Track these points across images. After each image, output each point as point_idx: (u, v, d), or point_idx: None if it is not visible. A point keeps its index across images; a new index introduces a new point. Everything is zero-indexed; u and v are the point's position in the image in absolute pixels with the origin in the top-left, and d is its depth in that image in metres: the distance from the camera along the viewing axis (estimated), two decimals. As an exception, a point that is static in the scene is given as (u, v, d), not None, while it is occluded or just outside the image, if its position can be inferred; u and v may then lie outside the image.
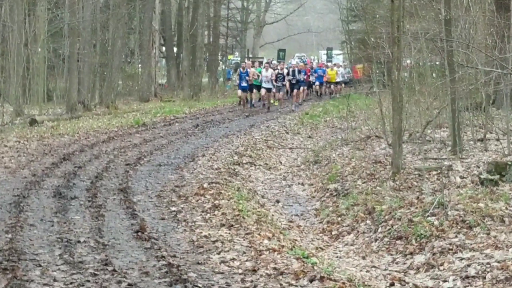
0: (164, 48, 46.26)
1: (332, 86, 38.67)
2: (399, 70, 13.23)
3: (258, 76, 29.10)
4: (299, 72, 31.55)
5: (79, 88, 29.06)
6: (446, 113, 16.89)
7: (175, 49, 46.19)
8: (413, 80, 18.89)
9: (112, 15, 32.44)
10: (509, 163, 11.92)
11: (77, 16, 29.47)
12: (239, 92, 30.06)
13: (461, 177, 11.79)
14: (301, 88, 32.00)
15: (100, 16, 32.51)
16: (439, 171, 12.58)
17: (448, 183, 11.48)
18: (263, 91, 28.80)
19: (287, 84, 30.91)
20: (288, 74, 30.42)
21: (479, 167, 12.69)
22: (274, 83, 28.94)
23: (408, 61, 30.22)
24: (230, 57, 56.07)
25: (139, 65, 41.36)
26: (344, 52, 55.14)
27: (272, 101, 30.27)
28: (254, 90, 30.38)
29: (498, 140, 15.53)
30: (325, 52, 61.40)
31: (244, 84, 28.97)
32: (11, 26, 26.21)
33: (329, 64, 43.88)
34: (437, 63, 21.44)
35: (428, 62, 19.59)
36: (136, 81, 40.03)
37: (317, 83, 37.80)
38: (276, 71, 29.55)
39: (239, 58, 53.56)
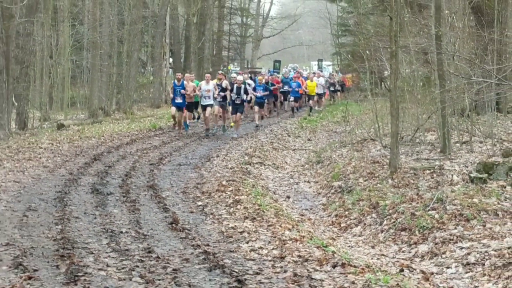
0: (171, 60, 46.32)
1: (310, 101, 31.77)
2: (396, 80, 13.37)
3: (195, 90, 21.27)
4: (247, 91, 21.90)
5: (99, 96, 29.23)
6: (434, 119, 17.03)
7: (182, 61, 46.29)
8: (404, 88, 18.98)
9: (128, 30, 32.54)
10: (496, 163, 12.10)
11: (97, 31, 29.59)
12: (173, 110, 21.50)
13: (453, 176, 11.86)
14: (241, 112, 21.88)
15: (117, 32, 32.61)
16: (431, 170, 12.68)
17: (441, 181, 11.57)
18: (207, 111, 21.08)
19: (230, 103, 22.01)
20: (231, 90, 21.21)
21: (467, 167, 12.76)
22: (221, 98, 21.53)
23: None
24: (229, 67, 56.12)
25: (151, 75, 41.40)
26: (334, 63, 55.25)
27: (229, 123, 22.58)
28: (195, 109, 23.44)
29: (481, 142, 15.66)
30: (316, 63, 61.61)
31: (178, 100, 20.85)
32: (40, 40, 26.29)
33: (310, 74, 36.25)
34: (420, 73, 21.58)
35: (418, 73, 19.68)
36: (148, 89, 40.12)
37: (291, 98, 29.86)
38: (222, 82, 21.76)
39: (238, 68, 53.57)
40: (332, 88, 38.51)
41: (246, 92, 21.60)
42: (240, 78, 22.13)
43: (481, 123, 17.21)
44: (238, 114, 21.33)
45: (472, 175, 11.58)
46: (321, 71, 53.06)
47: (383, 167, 13.55)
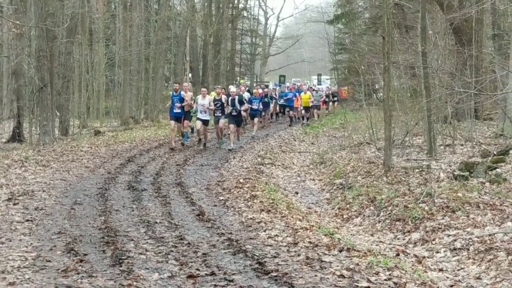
0: (190, 75, 46.42)
1: (303, 111, 28.92)
2: (388, 91, 13.44)
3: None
4: (242, 101, 18.86)
5: (129, 106, 29.40)
6: (421, 125, 17.06)
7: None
8: (395, 99, 19.03)
9: (154, 50, 32.68)
10: (476, 163, 12.15)
11: (128, 50, 29.77)
12: (172, 124, 18.25)
13: (440, 174, 11.90)
14: (237, 125, 19.02)
15: (145, 50, 32.76)
16: (420, 169, 12.71)
17: (429, 178, 11.59)
18: (198, 123, 17.98)
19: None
20: (227, 103, 18.46)
21: (451, 166, 12.77)
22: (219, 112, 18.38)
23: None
24: (241, 81, 56.16)
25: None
26: (332, 77, 55.23)
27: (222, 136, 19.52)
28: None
29: (462, 145, 15.69)
30: (316, 77, 61.75)
31: (176, 110, 18.04)
32: (78, 58, 26.49)
33: (304, 87, 32.53)
34: (408, 85, 21.59)
35: (406, 85, 19.75)
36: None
37: (287, 108, 28.57)
38: (221, 97, 18.51)
39: (248, 82, 53.60)
40: (327, 99, 36.36)
41: (241, 103, 18.63)
42: (233, 89, 19.74)
43: (462, 128, 17.25)
44: (232, 125, 18.38)
45: (455, 173, 11.63)
46: (320, 84, 53.30)
47: (378, 167, 13.58)
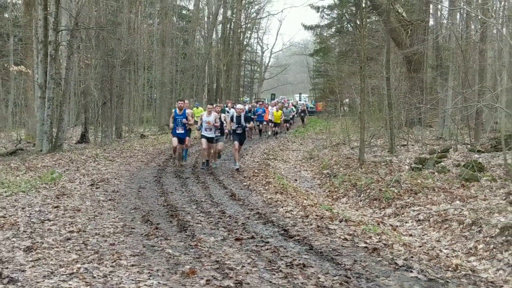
0: (205, 93, 46.50)
1: (275, 127, 24.25)
2: (363, 106, 13.60)
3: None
4: (248, 118, 13.73)
5: (164, 116, 29.49)
6: (383, 130, 17.23)
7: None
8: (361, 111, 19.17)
9: (182, 75, 32.81)
10: (426, 158, 12.32)
11: (164, 75, 29.89)
12: (174, 141, 13.05)
13: (401, 166, 12.05)
14: (241, 143, 13.53)
15: (175, 75, 32.87)
16: (385, 163, 12.81)
17: (394, 169, 11.73)
18: (203, 142, 12.89)
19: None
20: (232, 120, 13.32)
21: (407, 160, 12.97)
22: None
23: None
24: (242, 98, 56.25)
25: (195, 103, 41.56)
26: (310, 95, 55.38)
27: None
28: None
29: (413, 145, 15.90)
30: (298, 95, 61.90)
31: (180, 130, 12.94)
32: (128, 81, 26.57)
33: (277, 104, 25.70)
34: (375, 102, 21.73)
35: (374, 102, 19.92)
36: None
37: (257, 123, 23.09)
38: (220, 115, 13.33)
39: (248, 99, 53.57)
40: (302, 114, 32.78)
41: (246, 120, 13.40)
42: (240, 106, 13.94)
43: (412, 133, 17.44)
44: (236, 143, 13.07)
45: (412, 165, 11.78)
46: (301, 100, 53.42)
47: (354, 161, 13.66)
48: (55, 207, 7.61)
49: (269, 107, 24.40)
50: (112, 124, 20.46)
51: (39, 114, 15.81)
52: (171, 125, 13.21)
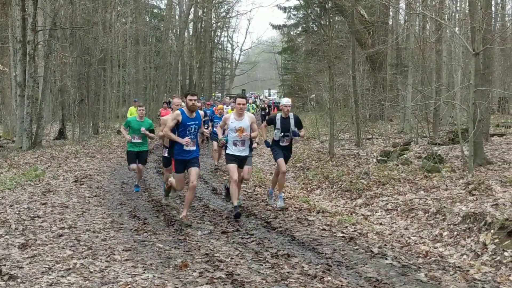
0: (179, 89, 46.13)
1: None
2: (333, 102, 13.81)
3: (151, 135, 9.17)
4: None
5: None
6: (350, 125, 17.50)
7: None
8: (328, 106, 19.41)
9: (156, 72, 32.46)
10: (390, 151, 12.56)
11: (139, 72, 29.48)
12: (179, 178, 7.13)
13: (368, 159, 12.25)
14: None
15: (149, 73, 32.49)
16: (353, 155, 13.00)
17: (362, 162, 11.92)
18: (232, 168, 7.01)
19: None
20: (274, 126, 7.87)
21: (373, 153, 13.19)
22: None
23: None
24: (213, 94, 55.98)
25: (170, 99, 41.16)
26: (279, 91, 55.64)
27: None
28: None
29: (377, 138, 16.22)
30: (267, 91, 62.12)
31: (191, 147, 6.86)
32: (104, 79, 26.11)
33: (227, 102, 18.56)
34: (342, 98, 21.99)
35: (341, 98, 20.20)
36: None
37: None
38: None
39: (220, 95, 53.31)
40: (263, 113, 30.19)
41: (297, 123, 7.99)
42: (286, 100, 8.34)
43: (375, 127, 17.75)
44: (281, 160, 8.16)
45: (378, 158, 11.99)
46: (270, 96, 53.60)
47: (325, 154, 13.77)
48: (43, 204, 7.49)
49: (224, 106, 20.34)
50: (89, 121, 20.08)
51: (18, 112, 15.40)
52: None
